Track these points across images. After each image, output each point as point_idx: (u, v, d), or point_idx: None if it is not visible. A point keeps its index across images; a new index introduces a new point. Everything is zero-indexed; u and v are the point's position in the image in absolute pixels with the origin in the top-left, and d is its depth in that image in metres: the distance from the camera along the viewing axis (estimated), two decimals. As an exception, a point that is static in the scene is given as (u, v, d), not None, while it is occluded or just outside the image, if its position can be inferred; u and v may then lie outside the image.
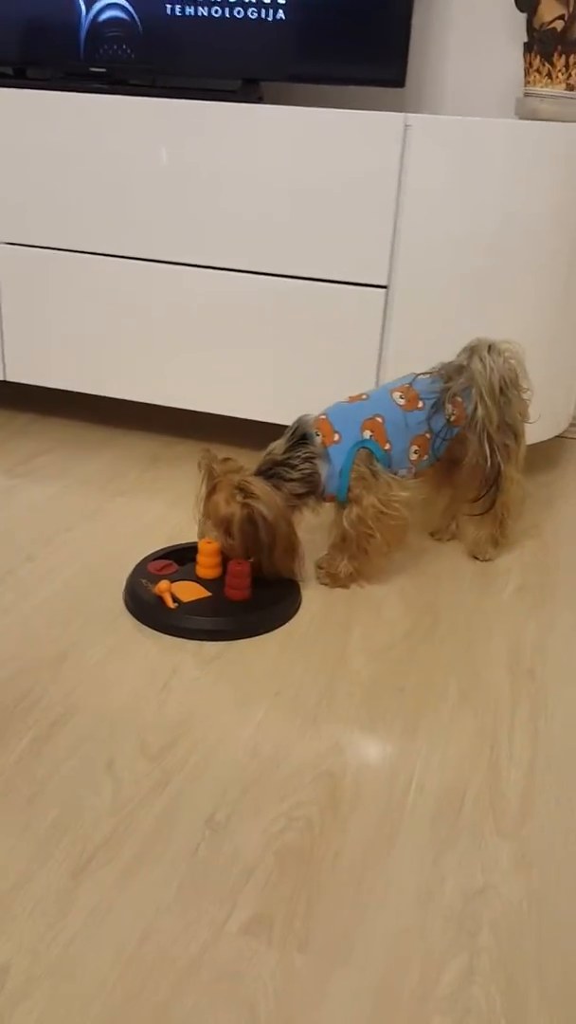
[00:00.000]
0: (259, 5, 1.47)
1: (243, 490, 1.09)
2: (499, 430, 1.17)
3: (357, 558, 1.20)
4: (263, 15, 1.48)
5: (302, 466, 1.13)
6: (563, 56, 1.42)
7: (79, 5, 1.56)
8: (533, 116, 1.45)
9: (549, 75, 1.45)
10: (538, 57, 1.44)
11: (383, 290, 1.43)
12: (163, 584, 1.12)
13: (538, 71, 1.45)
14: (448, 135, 1.33)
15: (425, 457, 1.20)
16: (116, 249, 1.55)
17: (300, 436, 1.14)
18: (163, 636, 1.09)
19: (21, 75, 1.66)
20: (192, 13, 1.51)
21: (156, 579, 1.15)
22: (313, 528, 1.25)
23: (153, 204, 1.50)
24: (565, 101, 1.45)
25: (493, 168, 1.34)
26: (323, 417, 1.16)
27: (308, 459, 1.13)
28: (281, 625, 1.13)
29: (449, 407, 1.18)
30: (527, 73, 1.48)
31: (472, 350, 1.18)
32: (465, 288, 1.40)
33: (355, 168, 1.37)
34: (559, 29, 1.41)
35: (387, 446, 1.16)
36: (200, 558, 1.16)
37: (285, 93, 1.67)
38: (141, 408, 1.69)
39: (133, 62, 1.58)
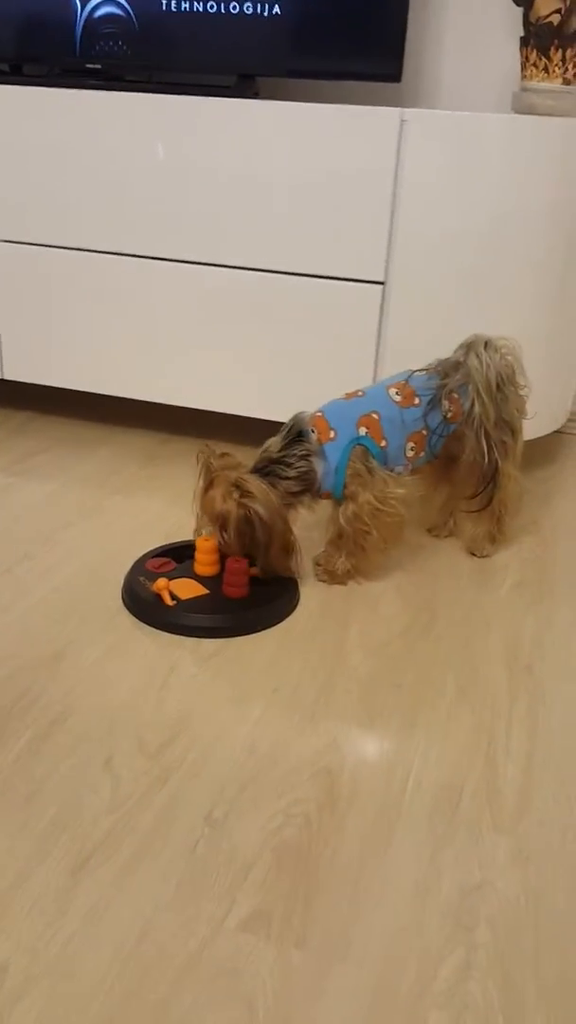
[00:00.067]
0: (254, 0, 1.46)
1: (239, 488, 1.09)
2: (496, 426, 1.17)
3: (354, 555, 1.20)
4: (258, 10, 1.47)
5: (298, 464, 1.13)
6: (560, 50, 1.42)
7: (75, 1, 1.55)
8: (530, 111, 1.45)
9: (546, 69, 1.44)
10: (535, 51, 1.44)
11: (380, 286, 1.43)
12: (161, 582, 1.12)
13: (535, 65, 1.45)
14: (445, 130, 1.33)
15: (422, 454, 1.20)
16: (113, 246, 1.55)
17: (296, 433, 1.14)
18: (161, 634, 1.09)
19: (17, 72, 1.66)
20: (187, 9, 1.50)
21: (154, 577, 1.15)
22: (310, 525, 1.26)
23: (150, 200, 1.50)
24: (562, 95, 1.44)
25: (490, 163, 1.33)
26: (319, 414, 1.16)
27: (304, 457, 1.13)
28: (279, 622, 1.13)
29: (446, 404, 1.18)
30: (524, 68, 1.47)
31: (468, 346, 1.18)
32: (462, 284, 1.40)
33: (351, 164, 1.37)
34: (556, 23, 1.40)
35: (383, 443, 1.16)
36: (198, 555, 1.16)
37: (281, 88, 1.66)
38: (139, 405, 1.69)
39: (129, 58, 1.57)
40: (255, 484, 1.10)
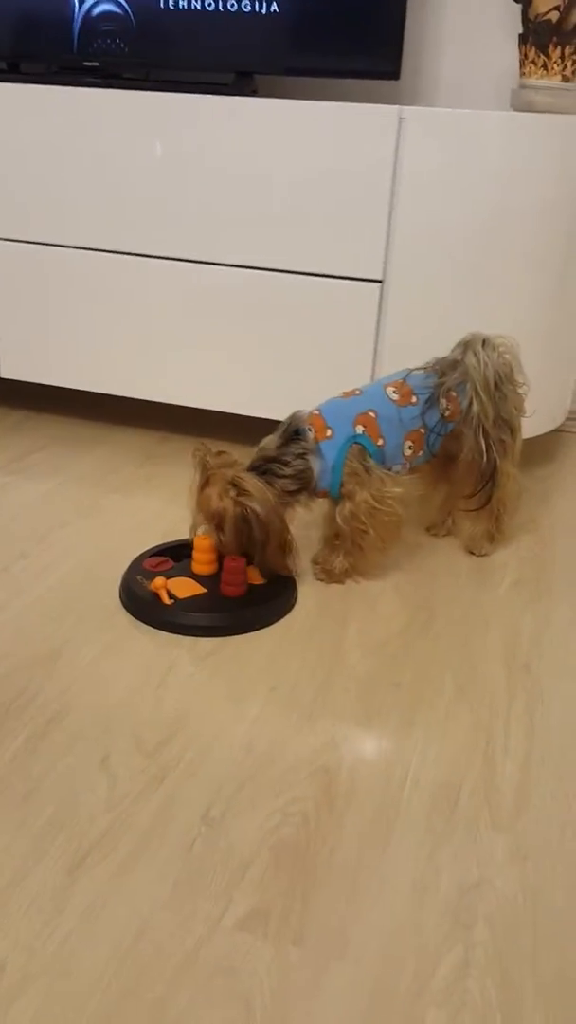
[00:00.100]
0: (252, -2, 1.46)
1: (236, 486, 1.09)
2: (495, 425, 1.17)
3: (352, 554, 1.20)
4: (256, 8, 1.47)
5: (294, 462, 1.13)
6: (558, 47, 1.42)
7: (72, -1, 1.55)
8: (529, 108, 1.44)
9: (544, 67, 1.44)
10: (533, 49, 1.44)
11: (378, 284, 1.43)
12: (159, 580, 1.12)
13: (533, 63, 1.44)
14: (443, 127, 1.33)
15: (420, 453, 1.20)
16: (110, 244, 1.55)
17: (293, 432, 1.14)
18: (159, 632, 1.09)
19: (14, 69, 1.65)
20: (185, 6, 1.50)
21: (151, 575, 1.14)
22: (308, 524, 1.25)
23: (147, 199, 1.49)
24: (560, 92, 1.44)
25: (488, 161, 1.33)
26: (316, 412, 1.16)
27: (300, 455, 1.13)
28: (277, 621, 1.13)
29: (444, 402, 1.18)
30: (522, 65, 1.47)
31: (466, 345, 1.18)
32: (460, 282, 1.40)
33: (350, 161, 1.37)
34: (554, 20, 1.40)
35: (380, 441, 1.16)
36: (196, 554, 1.16)
37: (279, 86, 1.66)
38: (136, 404, 1.69)
39: (126, 56, 1.57)
40: (251, 482, 1.09)
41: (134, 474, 1.55)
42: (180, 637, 1.08)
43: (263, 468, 1.13)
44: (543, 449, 1.70)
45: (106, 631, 1.09)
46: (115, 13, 1.54)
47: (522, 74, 1.48)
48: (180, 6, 1.50)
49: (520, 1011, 0.65)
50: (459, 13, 1.61)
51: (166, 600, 1.11)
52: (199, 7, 1.49)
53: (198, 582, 1.15)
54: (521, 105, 1.46)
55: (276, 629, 1.11)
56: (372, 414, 1.16)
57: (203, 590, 1.14)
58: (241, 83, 1.51)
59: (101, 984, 0.66)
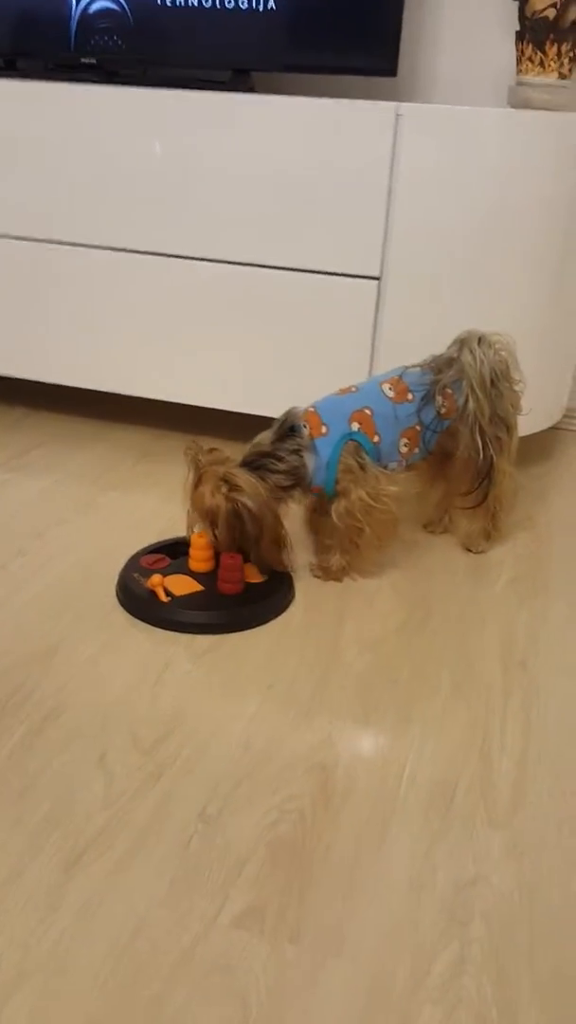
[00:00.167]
0: (249, -6, 1.46)
1: (227, 483, 1.09)
2: (491, 423, 1.17)
3: (348, 552, 1.20)
4: (253, 5, 1.46)
5: (289, 458, 1.13)
6: (555, 45, 1.42)
7: (68, -5, 1.55)
8: (525, 105, 1.44)
9: (541, 64, 1.44)
10: (530, 46, 1.43)
11: (375, 281, 1.43)
12: (156, 578, 1.12)
13: (530, 60, 1.44)
14: (440, 124, 1.33)
15: (416, 450, 1.20)
16: (107, 241, 1.54)
17: (288, 428, 1.14)
18: (156, 630, 1.09)
19: (11, 66, 1.65)
20: (182, 3, 1.50)
21: (148, 573, 1.14)
22: (305, 521, 1.25)
23: (144, 196, 1.49)
24: (557, 90, 1.44)
25: (486, 157, 1.33)
26: (311, 409, 1.16)
27: (295, 451, 1.13)
28: (274, 618, 1.13)
29: (439, 399, 1.18)
30: (519, 62, 1.47)
31: (462, 342, 1.18)
32: (458, 279, 1.40)
33: (347, 158, 1.37)
34: (551, 18, 1.40)
35: (376, 438, 1.16)
36: (193, 552, 1.16)
37: (276, 83, 1.66)
38: (134, 402, 1.69)
39: (124, 53, 1.56)
40: (243, 477, 1.09)
41: (132, 471, 1.54)
42: (177, 634, 1.08)
43: (256, 463, 1.12)
44: (540, 446, 1.70)
45: (103, 628, 1.09)
46: (112, 10, 1.54)
47: (519, 71, 1.47)
48: (177, 3, 1.50)
49: (516, 1008, 0.66)
50: (456, 10, 1.61)
51: (163, 597, 1.11)
52: (196, 4, 1.49)
53: (195, 579, 1.15)
54: (518, 102, 1.46)
55: (273, 626, 1.11)
56: (368, 411, 1.16)
57: (200, 587, 1.14)
58: (238, 80, 1.50)
59: (97, 982, 0.66)
